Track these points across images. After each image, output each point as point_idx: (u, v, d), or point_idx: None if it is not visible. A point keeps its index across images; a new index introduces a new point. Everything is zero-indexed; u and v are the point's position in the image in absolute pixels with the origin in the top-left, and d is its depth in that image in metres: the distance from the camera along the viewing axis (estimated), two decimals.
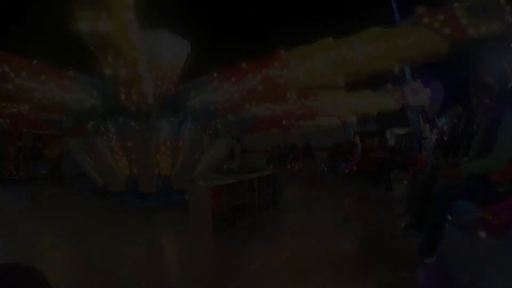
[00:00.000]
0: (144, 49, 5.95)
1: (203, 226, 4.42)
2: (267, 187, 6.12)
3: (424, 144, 7.24)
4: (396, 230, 4.14)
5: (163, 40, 7.59)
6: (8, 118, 7.90)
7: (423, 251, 2.81)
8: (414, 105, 8.10)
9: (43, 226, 5.63)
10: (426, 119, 8.93)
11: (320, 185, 10.33)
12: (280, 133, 15.56)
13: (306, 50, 5.54)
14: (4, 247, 4.29)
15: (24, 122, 8.31)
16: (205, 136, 7.11)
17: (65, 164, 13.16)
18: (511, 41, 3.74)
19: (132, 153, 6.68)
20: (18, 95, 5.45)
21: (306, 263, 3.35)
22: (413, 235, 3.24)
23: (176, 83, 8.35)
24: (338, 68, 5.21)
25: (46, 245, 4.40)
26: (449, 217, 2.71)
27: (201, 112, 7.47)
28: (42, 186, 12.67)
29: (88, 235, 4.77)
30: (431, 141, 7.46)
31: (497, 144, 2.64)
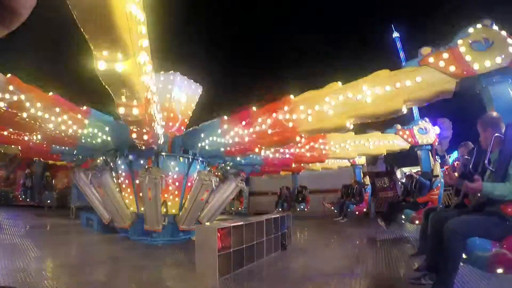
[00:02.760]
0: (157, 90, 6.18)
1: (209, 267, 4.29)
2: (276, 230, 6.01)
3: (435, 182, 7.12)
4: (409, 272, 3.96)
5: (176, 83, 7.87)
6: (19, 145, 8.09)
7: None
8: (423, 144, 8.07)
9: (38, 255, 5.54)
10: (436, 156, 8.85)
11: (330, 227, 10.06)
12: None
13: (315, 95, 5.67)
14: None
15: (35, 151, 8.50)
16: (213, 178, 7.12)
17: (71, 196, 13.15)
18: None
19: (140, 191, 6.68)
20: (32, 124, 5.61)
21: None
22: (429, 277, 3.11)
23: (187, 125, 8.53)
24: (347, 111, 5.28)
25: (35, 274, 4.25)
26: (464, 255, 2.60)
27: (210, 153, 7.55)
28: (46, 215, 12.69)
29: (86, 269, 4.66)
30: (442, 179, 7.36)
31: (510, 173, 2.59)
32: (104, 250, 6.30)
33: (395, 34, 38.94)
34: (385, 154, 9.52)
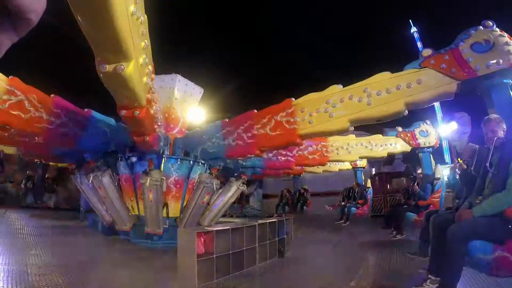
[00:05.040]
0: (159, 92, 6.17)
1: (189, 273, 4.13)
2: (272, 235, 5.74)
3: (436, 185, 7.09)
4: (413, 276, 3.92)
5: (177, 84, 7.88)
6: (21, 146, 8.10)
7: None
8: (425, 146, 8.06)
9: (32, 253, 5.66)
10: (456, 154, 8.78)
11: (332, 231, 9.99)
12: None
13: (316, 97, 5.67)
14: None
15: (36, 152, 8.51)
16: (215, 180, 7.11)
17: (81, 198, 13.24)
18: None
19: (141, 193, 6.68)
20: (33, 125, 5.62)
21: None
22: (432, 280, 3.08)
23: (188, 127, 8.54)
24: (348, 114, 5.28)
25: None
26: (466, 258, 2.59)
27: (211, 155, 7.54)
28: (56, 217, 12.73)
29: (68, 270, 4.64)
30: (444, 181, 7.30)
31: (510, 179, 2.58)
32: (99, 252, 6.33)
33: (413, 29, 37.04)
34: (386, 156, 9.50)
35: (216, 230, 4.55)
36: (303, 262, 5.75)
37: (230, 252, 4.63)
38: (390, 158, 14.51)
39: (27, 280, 3.91)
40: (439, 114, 23.60)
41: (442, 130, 9.99)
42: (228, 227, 4.78)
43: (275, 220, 6.03)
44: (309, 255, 6.39)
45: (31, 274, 4.15)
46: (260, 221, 5.52)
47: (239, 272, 4.69)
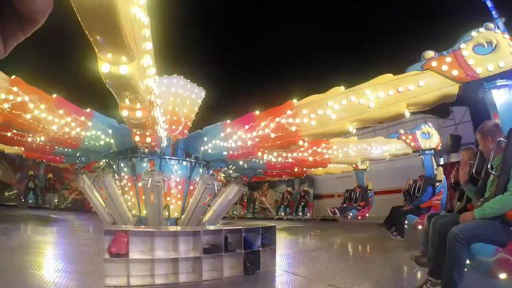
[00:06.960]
0: (161, 93, 6.18)
1: (103, 271, 3.91)
2: (236, 246, 4.93)
3: (438, 187, 7.09)
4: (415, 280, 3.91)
5: (179, 86, 7.91)
6: (23, 147, 8.15)
7: None
8: (426, 149, 8.04)
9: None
10: None
11: (329, 234, 9.92)
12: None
13: (318, 99, 5.67)
14: None
15: (38, 152, 8.56)
16: (216, 182, 7.12)
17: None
18: None
19: (143, 194, 6.69)
20: (35, 126, 5.67)
21: None
22: (434, 283, 3.07)
23: (190, 128, 8.55)
24: (350, 116, 5.27)
25: None
26: (468, 261, 2.58)
27: (213, 157, 7.54)
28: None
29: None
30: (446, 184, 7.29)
31: (511, 182, 2.58)
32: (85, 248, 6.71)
33: None
34: (387, 159, 9.46)
35: (132, 231, 4.16)
36: (269, 283, 4.79)
37: (155, 257, 4.15)
38: (455, 143, 12.72)
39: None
40: None
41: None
42: (151, 230, 4.31)
43: (240, 228, 5.26)
44: (285, 274, 5.26)
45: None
46: (209, 227, 4.94)
47: (171, 284, 4.13)
